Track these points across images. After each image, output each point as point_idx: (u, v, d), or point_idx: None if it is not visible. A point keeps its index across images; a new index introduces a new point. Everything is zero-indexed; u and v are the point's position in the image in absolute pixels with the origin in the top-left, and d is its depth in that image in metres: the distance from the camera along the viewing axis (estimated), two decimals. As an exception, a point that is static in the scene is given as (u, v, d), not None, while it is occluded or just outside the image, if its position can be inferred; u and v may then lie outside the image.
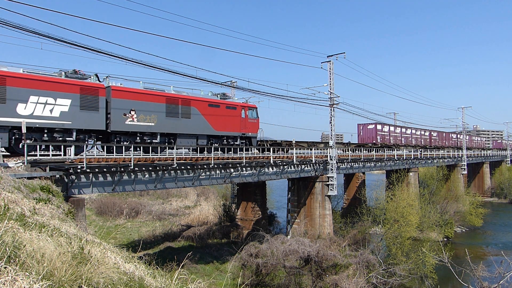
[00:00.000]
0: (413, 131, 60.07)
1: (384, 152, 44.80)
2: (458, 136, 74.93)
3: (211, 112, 26.29)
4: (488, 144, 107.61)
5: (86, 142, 20.50)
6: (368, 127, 50.54)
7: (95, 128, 20.41)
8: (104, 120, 20.64)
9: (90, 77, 20.68)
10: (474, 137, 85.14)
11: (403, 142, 55.99)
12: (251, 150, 29.65)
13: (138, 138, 22.54)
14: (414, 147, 57.63)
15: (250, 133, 29.49)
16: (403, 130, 57.11)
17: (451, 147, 71.64)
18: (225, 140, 27.84)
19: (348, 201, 54.83)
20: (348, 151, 39.82)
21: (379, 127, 50.60)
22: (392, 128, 53.92)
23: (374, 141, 49.43)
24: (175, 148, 22.36)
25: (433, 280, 25.43)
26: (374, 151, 43.41)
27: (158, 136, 23.46)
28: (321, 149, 37.49)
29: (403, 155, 47.09)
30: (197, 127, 25.34)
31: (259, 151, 30.96)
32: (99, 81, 21.08)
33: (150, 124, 22.75)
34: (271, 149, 29.33)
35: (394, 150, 48.99)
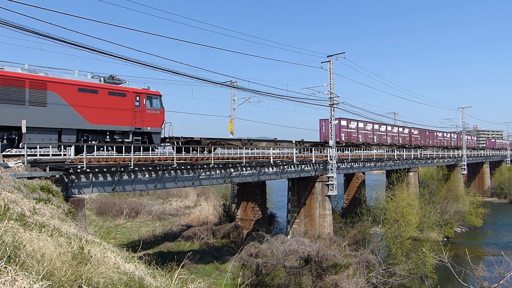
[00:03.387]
0: (389, 128, 53.57)
1: (349, 152, 38.94)
2: (445, 134, 70.34)
3: (84, 99, 20.11)
4: (482, 144, 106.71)
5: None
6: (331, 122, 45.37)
7: None
8: None
9: None
10: (464, 136, 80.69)
11: (375, 140, 49.39)
12: (153, 150, 23.88)
13: None
14: (389, 146, 51.38)
15: (149, 128, 23.11)
16: (376, 127, 50.35)
17: (436, 146, 65.34)
18: (108, 136, 21.67)
19: (348, 201, 54.84)
20: (303, 151, 33.59)
21: (343, 122, 43.83)
22: (361, 124, 47.00)
23: (337, 140, 42.52)
24: (25, 146, 15.90)
25: (433, 280, 25.44)
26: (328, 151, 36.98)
27: None
28: (262, 149, 31.76)
29: (403, 155, 47.06)
30: (58, 118, 19.15)
31: (179, 151, 24.25)
32: None
33: None
34: (182, 148, 24.17)
35: (363, 149, 43.97)
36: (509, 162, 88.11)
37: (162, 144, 24.40)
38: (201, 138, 27.20)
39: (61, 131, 19.47)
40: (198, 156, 24.41)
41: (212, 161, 23.73)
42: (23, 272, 3.59)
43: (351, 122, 45.22)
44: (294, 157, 30.12)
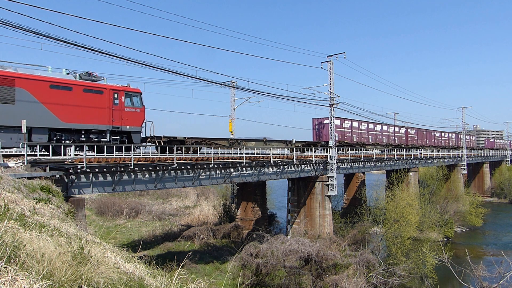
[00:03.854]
0: (384, 128, 51.60)
1: (343, 152, 38.14)
2: (443, 134, 68.74)
3: (56, 97, 19.08)
4: (482, 144, 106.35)
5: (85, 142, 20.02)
6: (324, 122, 41.09)
7: None
8: None
9: None
10: (461, 136, 74.50)
11: (370, 140, 47.78)
12: (135, 150, 21.96)
13: None
14: (385, 146, 50.12)
15: (128, 127, 21.92)
16: (371, 126, 48.42)
17: (433, 146, 63.56)
18: (83, 136, 20.44)
19: (348, 201, 54.87)
20: (293, 152, 31.67)
21: (336, 122, 41.04)
22: (355, 124, 45.19)
23: (330, 139, 41.21)
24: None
25: (433, 280, 25.44)
26: (326, 151, 35.94)
27: None
28: (251, 148, 30.48)
29: (403, 155, 47.06)
30: (28, 116, 17.82)
31: (162, 151, 23.14)
32: None
33: None
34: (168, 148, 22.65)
35: (359, 150, 42.96)
36: (509, 162, 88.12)
37: (143, 144, 23.46)
38: (184, 138, 25.91)
39: (31, 130, 18.38)
40: (198, 156, 24.39)
41: (212, 161, 23.74)
42: (23, 272, 3.59)
43: (345, 122, 43.47)
44: (294, 157, 30.14)
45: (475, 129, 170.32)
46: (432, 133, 64.99)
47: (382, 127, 51.19)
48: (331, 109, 34.01)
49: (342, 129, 43.07)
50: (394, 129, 54.09)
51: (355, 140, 44.77)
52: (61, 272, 3.90)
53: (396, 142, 53.74)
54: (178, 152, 24.09)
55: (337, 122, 41.77)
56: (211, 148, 26.92)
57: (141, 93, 22.91)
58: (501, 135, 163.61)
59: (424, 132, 62.11)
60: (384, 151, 47.58)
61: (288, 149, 33.83)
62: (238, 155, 26.50)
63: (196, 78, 22.18)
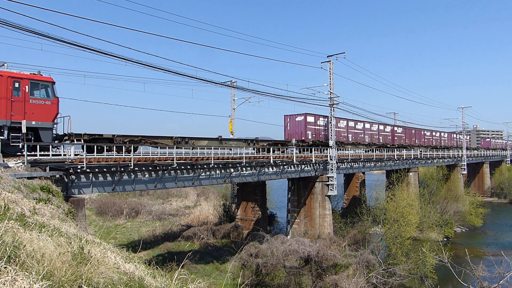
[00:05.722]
0: (367, 126, 47.46)
1: (323, 152, 35.31)
2: (433, 133, 65.13)
3: None
4: (478, 143, 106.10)
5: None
6: (296, 119, 38.35)
7: None
8: None
9: None
10: (455, 135, 72.72)
11: (350, 139, 43.91)
12: (46, 150, 18.52)
13: None
14: (368, 145, 46.54)
15: (34, 122, 18.08)
16: (351, 124, 44.43)
17: (423, 146, 60.27)
18: None
19: (348, 201, 54.90)
20: (259, 151, 29.46)
21: (310, 119, 38.13)
22: (333, 121, 39.42)
23: (303, 138, 37.52)
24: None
25: (433, 280, 25.45)
26: (299, 151, 34.19)
27: None
28: (201, 148, 27.90)
29: (403, 155, 47.07)
30: None
31: (87, 151, 19.26)
32: None
33: None
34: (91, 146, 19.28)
35: (336, 150, 39.09)
36: (509, 162, 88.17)
37: (59, 143, 20.08)
38: (113, 135, 22.27)
39: None
40: (198, 156, 24.38)
41: (212, 161, 23.76)
42: (23, 272, 3.58)
43: (320, 119, 39.48)
44: (294, 157, 30.16)
45: (475, 129, 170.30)
46: (422, 132, 61.58)
47: (364, 125, 47.29)
48: (331, 109, 34.05)
49: (316, 127, 39.18)
50: (378, 127, 49.86)
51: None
52: (61, 272, 3.90)
53: (381, 141, 49.89)
54: (111, 152, 21.16)
55: (311, 119, 38.62)
56: (149, 147, 24.23)
57: (53, 82, 18.96)
58: (501, 135, 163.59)
59: (413, 131, 58.61)
60: (367, 151, 44.99)
61: (254, 149, 31.83)
62: (238, 155, 26.49)
63: (196, 78, 22.20)
